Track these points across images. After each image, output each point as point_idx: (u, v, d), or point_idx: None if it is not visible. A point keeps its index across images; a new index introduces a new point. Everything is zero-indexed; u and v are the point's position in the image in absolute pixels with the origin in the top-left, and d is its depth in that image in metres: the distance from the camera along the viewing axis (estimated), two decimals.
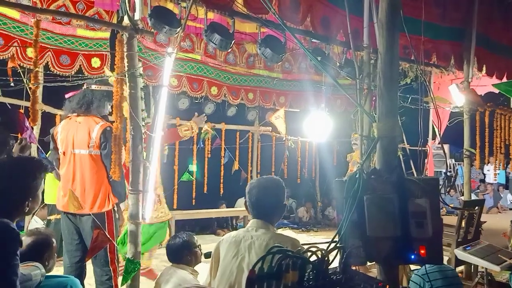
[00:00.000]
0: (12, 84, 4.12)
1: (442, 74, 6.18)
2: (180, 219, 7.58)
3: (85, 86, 3.81)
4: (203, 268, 3.33)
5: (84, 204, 3.55)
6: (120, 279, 3.35)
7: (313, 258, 1.60)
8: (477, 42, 5.42)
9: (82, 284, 3.61)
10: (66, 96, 3.85)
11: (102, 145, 3.62)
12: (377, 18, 2.93)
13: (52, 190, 5.79)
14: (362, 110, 2.93)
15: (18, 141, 3.23)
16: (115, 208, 3.71)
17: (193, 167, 7.29)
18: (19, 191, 1.98)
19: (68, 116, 3.80)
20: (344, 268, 1.59)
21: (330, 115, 7.06)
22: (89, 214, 3.57)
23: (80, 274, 3.66)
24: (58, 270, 4.68)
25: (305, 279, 1.48)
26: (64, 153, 3.72)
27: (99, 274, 3.64)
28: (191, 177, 7.25)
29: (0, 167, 1.99)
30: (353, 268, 1.72)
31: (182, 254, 3.31)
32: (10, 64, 4.92)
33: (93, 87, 3.78)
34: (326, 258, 1.57)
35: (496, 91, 6.73)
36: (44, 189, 5.65)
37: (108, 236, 3.35)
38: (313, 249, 1.58)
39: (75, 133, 3.68)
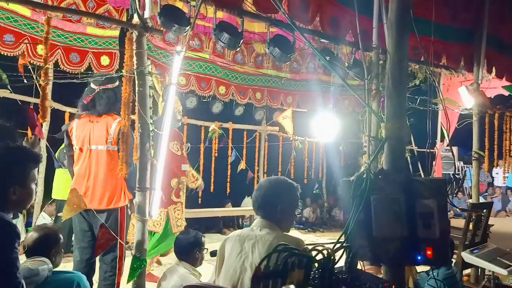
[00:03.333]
0: (25, 81, 4.15)
1: (451, 75, 6.14)
2: (186, 217, 7.58)
3: (96, 88, 3.79)
4: (206, 268, 3.35)
5: (91, 200, 3.57)
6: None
7: (319, 257, 1.60)
8: (488, 43, 5.37)
9: (90, 281, 3.62)
10: (85, 101, 3.82)
11: (119, 141, 3.63)
12: (386, 18, 2.92)
13: (62, 185, 5.84)
14: (370, 110, 2.92)
15: (27, 138, 3.25)
16: (128, 204, 3.73)
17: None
18: (1, 175, 1.97)
19: (83, 116, 3.81)
20: (350, 267, 1.58)
21: (338, 115, 7.04)
22: (104, 210, 3.60)
23: (89, 271, 3.68)
24: (65, 265, 4.72)
25: (310, 277, 1.47)
26: (80, 149, 3.72)
27: (104, 270, 3.66)
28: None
29: None
30: (360, 267, 1.72)
31: (191, 251, 3.33)
32: (20, 61, 4.97)
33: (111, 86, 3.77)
34: (332, 257, 1.57)
35: (506, 93, 6.68)
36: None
37: (119, 232, 3.39)
38: (319, 248, 1.58)
39: (91, 129, 3.69)
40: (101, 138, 3.65)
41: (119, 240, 3.49)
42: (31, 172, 2.07)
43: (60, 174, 5.84)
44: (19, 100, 5.25)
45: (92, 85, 3.81)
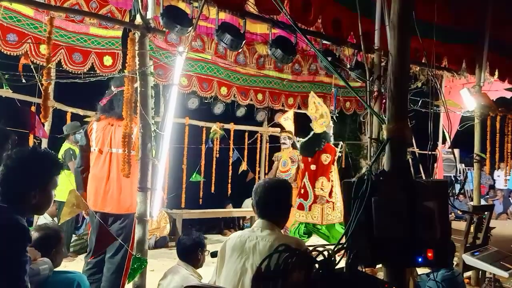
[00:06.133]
0: (23, 81, 4.16)
1: (453, 78, 6.13)
2: (187, 218, 7.61)
3: (114, 89, 3.76)
4: (207, 270, 3.35)
5: (109, 203, 3.58)
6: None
7: (320, 258, 1.60)
8: (490, 46, 5.36)
9: (100, 281, 3.64)
10: (102, 103, 3.80)
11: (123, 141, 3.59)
12: (389, 21, 2.92)
13: (62, 186, 5.83)
14: (372, 112, 2.92)
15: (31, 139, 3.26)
16: None
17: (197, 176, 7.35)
18: (24, 178, 1.98)
19: (103, 118, 3.78)
20: (350, 268, 1.58)
21: (339, 117, 7.05)
22: (122, 215, 3.60)
23: (99, 272, 3.68)
24: (66, 265, 4.73)
25: (311, 278, 1.47)
26: (100, 151, 3.69)
27: (111, 271, 3.64)
28: (200, 177, 7.29)
29: (9, 156, 2.01)
30: (360, 269, 1.72)
31: (193, 252, 3.32)
32: (23, 61, 4.98)
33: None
34: (332, 258, 1.57)
35: (508, 95, 6.67)
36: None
37: (132, 236, 3.43)
38: (320, 249, 1.58)
39: (113, 132, 3.65)
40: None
41: (130, 243, 3.50)
42: (54, 178, 2.09)
43: (61, 175, 5.83)
44: (18, 100, 5.25)
45: (112, 87, 3.80)
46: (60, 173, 2.15)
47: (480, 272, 4.78)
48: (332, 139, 6.51)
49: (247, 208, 8.43)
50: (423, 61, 4.80)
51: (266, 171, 8.83)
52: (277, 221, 2.31)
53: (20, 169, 1.98)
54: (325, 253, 1.56)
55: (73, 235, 6.30)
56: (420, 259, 1.76)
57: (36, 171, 2.02)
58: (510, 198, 12.30)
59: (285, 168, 7.19)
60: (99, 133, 3.70)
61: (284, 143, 7.30)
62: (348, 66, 4.54)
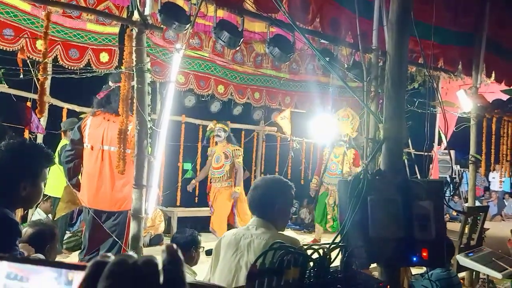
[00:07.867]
0: (21, 76, 4.13)
1: (450, 79, 6.15)
2: (182, 216, 7.60)
3: (112, 84, 3.75)
4: (202, 267, 3.35)
5: (101, 200, 3.56)
6: None
7: (315, 256, 1.60)
8: (487, 47, 5.37)
9: None
10: (99, 97, 3.78)
11: (118, 138, 3.58)
12: (386, 21, 2.92)
13: (57, 182, 5.81)
14: (369, 111, 2.93)
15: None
16: None
17: (187, 165, 7.32)
18: (13, 169, 1.97)
19: (98, 113, 3.76)
20: (345, 266, 1.58)
21: (336, 117, 7.05)
22: (115, 212, 3.59)
23: None
24: None
25: (306, 276, 1.47)
26: (92, 148, 3.69)
27: None
28: (194, 174, 7.29)
29: None
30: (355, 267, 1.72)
31: (188, 250, 3.32)
32: (19, 56, 4.95)
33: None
34: (327, 256, 1.57)
35: (504, 97, 6.69)
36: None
37: (125, 233, 3.44)
38: (315, 247, 1.58)
39: (106, 129, 3.64)
40: (115, 139, 3.55)
41: (124, 239, 3.50)
42: (43, 170, 2.07)
43: (55, 170, 5.81)
44: (14, 96, 5.22)
45: (110, 82, 3.79)
46: (50, 166, 2.14)
47: (474, 273, 4.80)
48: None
49: None
50: (420, 61, 4.82)
51: (262, 170, 8.83)
52: (272, 220, 2.28)
53: (9, 161, 1.96)
54: (320, 251, 1.56)
55: (67, 232, 6.28)
56: (414, 259, 1.76)
57: (25, 162, 2.00)
58: (504, 200, 12.36)
59: (218, 165, 6.37)
60: (92, 129, 3.70)
61: (218, 136, 6.52)
62: (346, 65, 4.54)
